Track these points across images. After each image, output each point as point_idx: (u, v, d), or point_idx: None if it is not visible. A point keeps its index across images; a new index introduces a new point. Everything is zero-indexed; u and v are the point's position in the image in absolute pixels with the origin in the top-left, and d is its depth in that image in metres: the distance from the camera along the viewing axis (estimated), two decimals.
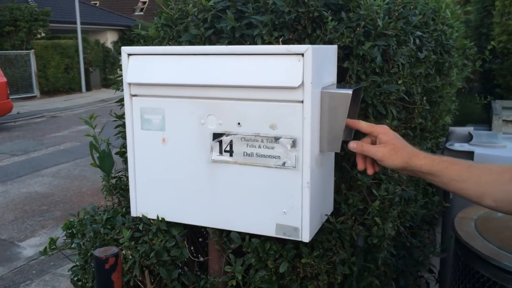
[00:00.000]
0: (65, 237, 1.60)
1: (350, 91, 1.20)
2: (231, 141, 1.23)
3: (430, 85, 1.97)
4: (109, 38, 21.12)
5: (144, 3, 30.66)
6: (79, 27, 16.59)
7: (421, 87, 1.83)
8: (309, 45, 1.12)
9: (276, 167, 1.20)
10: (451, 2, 2.29)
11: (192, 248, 1.66)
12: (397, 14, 1.51)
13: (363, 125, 1.24)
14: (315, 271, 1.28)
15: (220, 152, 1.25)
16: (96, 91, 17.77)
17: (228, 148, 1.24)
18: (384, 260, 1.53)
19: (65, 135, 10.30)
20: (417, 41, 1.73)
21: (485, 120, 5.46)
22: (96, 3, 28.46)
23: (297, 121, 1.16)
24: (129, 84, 1.32)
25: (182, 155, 1.30)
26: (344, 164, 1.54)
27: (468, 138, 2.60)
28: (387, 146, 1.19)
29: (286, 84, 1.14)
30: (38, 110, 13.83)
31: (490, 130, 3.86)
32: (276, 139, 1.18)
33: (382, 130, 1.21)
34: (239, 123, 1.22)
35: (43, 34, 17.58)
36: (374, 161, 1.24)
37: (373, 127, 1.22)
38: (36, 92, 16.45)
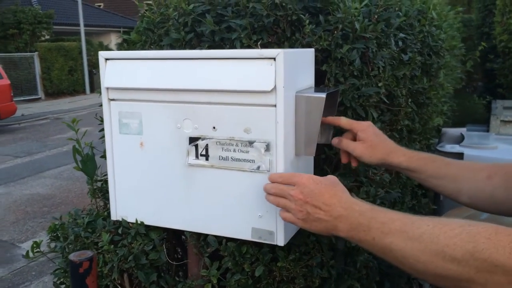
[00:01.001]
0: (49, 240, 1.61)
1: (323, 95, 1.20)
2: (207, 145, 1.23)
3: (416, 87, 1.97)
4: (113, 40, 21.22)
5: (148, 4, 30.73)
6: (82, 29, 16.68)
7: (406, 89, 1.83)
8: (281, 50, 1.13)
9: (251, 171, 1.20)
10: (440, 3, 2.29)
11: (179, 251, 1.67)
12: (376, 16, 1.51)
13: (343, 122, 1.27)
14: (291, 274, 1.28)
15: (196, 156, 1.25)
16: None
17: (204, 152, 1.24)
18: (366, 263, 1.53)
19: (68, 136, 10.34)
20: (400, 43, 1.73)
21: (487, 120, 5.45)
22: (100, 5, 28.57)
23: (270, 125, 1.16)
24: (107, 88, 1.33)
25: (160, 159, 1.31)
26: (325, 167, 1.54)
27: (460, 139, 2.59)
28: (365, 143, 1.22)
29: (259, 88, 1.15)
30: (42, 112, 13.93)
31: (488, 130, 3.85)
32: (250, 143, 1.19)
33: (361, 127, 1.23)
34: (214, 127, 1.22)
35: (47, 37, 17.70)
36: None
37: (353, 124, 1.25)
38: (41, 94, 16.57)
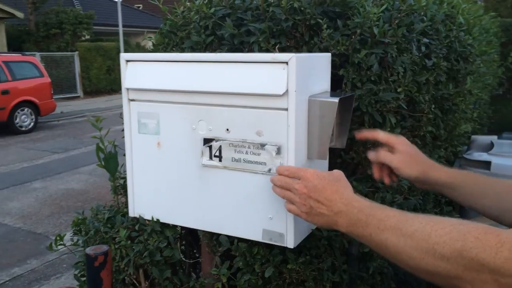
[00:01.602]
0: (72, 234, 1.68)
1: (336, 99, 1.21)
2: (220, 146, 1.26)
3: (440, 93, 1.93)
4: (149, 41, 21.63)
5: (188, 8, 31.17)
6: (120, 30, 17.11)
7: (429, 95, 1.80)
8: (293, 54, 1.14)
9: (263, 173, 1.22)
10: (470, 7, 2.24)
11: (195, 250, 1.70)
12: (397, 21, 1.50)
13: (381, 135, 1.23)
14: (301, 277, 1.29)
15: (210, 157, 1.28)
16: None
17: (217, 153, 1.27)
18: (380, 269, 1.52)
19: (106, 135, 10.60)
20: (424, 48, 1.70)
21: None
22: (139, 6, 29.22)
23: (282, 129, 1.18)
24: (127, 89, 1.38)
25: (176, 159, 1.34)
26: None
27: (490, 147, 2.52)
28: (404, 156, 1.18)
29: (271, 91, 1.16)
30: (80, 110, 14.37)
31: None
32: (262, 145, 1.21)
33: (399, 141, 1.21)
34: (227, 129, 1.25)
35: (87, 37, 18.24)
36: (391, 171, 1.22)
37: (390, 137, 1.21)
38: (80, 92, 17.09)
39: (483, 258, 0.67)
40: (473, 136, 2.74)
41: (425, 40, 1.73)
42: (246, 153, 1.23)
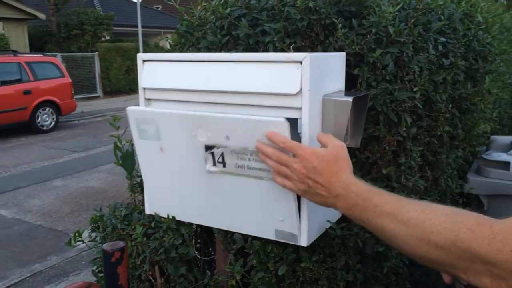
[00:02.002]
0: (90, 230, 1.71)
1: (350, 99, 1.21)
2: (222, 153, 1.21)
3: (458, 92, 1.91)
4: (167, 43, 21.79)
5: (204, 8, 31.33)
6: (140, 30, 17.29)
7: (446, 95, 1.79)
8: (307, 53, 1.14)
9: (269, 179, 1.18)
10: (489, 6, 2.21)
11: (209, 247, 1.72)
12: (413, 20, 1.49)
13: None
14: (314, 275, 1.29)
15: (214, 163, 1.24)
16: None
17: (220, 160, 1.23)
18: (395, 269, 1.51)
19: (124, 135, 10.75)
20: (441, 47, 1.69)
21: None
22: (158, 7, 29.48)
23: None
24: (144, 88, 1.40)
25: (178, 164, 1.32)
26: (356, 171, 1.54)
27: (509, 148, 2.48)
28: None
29: (285, 91, 1.17)
30: (100, 109, 14.57)
31: None
32: None
33: None
34: (227, 136, 1.19)
35: (107, 37, 18.48)
36: None
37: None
38: (99, 92, 17.33)
39: (476, 249, 0.68)
40: (492, 136, 2.69)
41: (442, 39, 1.71)
42: (249, 160, 1.18)
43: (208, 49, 1.60)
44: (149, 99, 1.41)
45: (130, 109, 1.32)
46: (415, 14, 1.54)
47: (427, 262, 0.78)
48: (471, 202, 2.43)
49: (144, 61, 1.38)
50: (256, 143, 1.07)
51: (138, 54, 1.40)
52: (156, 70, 1.36)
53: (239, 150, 1.17)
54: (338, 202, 0.95)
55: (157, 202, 1.44)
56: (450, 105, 1.85)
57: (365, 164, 1.55)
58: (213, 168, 1.25)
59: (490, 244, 0.67)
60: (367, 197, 0.89)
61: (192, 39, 1.65)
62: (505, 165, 2.22)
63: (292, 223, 1.20)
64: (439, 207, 0.79)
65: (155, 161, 1.36)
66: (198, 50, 1.62)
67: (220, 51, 1.58)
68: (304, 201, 1.21)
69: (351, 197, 0.92)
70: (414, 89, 1.50)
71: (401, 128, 1.52)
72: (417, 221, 0.78)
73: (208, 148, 1.23)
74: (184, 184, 1.34)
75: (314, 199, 1.00)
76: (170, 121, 1.27)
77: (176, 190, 1.37)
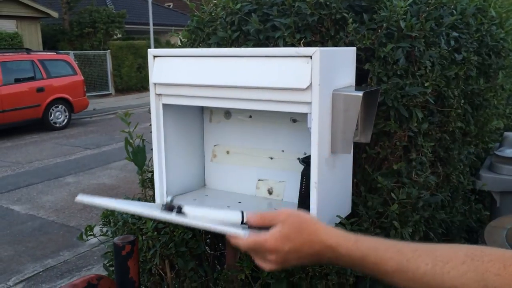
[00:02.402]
0: (101, 225, 1.73)
1: (360, 93, 1.20)
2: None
3: (470, 88, 1.90)
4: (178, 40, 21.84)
5: (215, 4, 31.39)
6: (151, 28, 17.36)
7: (458, 90, 1.77)
8: (317, 48, 1.14)
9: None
10: (502, 1, 2.18)
11: (220, 242, 1.73)
12: (425, 15, 1.48)
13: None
14: (324, 270, 1.29)
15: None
16: None
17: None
18: None
19: (135, 130, 10.89)
20: (453, 42, 1.67)
21: None
22: (170, 5, 29.56)
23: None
24: (155, 84, 1.41)
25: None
26: (366, 167, 1.53)
27: None
28: None
29: (295, 85, 1.17)
30: (111, 107, 14.66)
31: None
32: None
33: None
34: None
35: (119, 35, 18.58)
36: None
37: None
38: (111, 90, 17.44)
39: None
40: (505, 133, 2.66)
41: (455, 33, 1.70)
42: None
43: (219, 45, 1.60)
44: (159, 95, 1.42)
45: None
46: (427, 8, 1.53)
47: None
48: (483, 199, 2.41)
49: (155, 56, 1.39)
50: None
51: (149, 50, 1.40)
52: (167, 66, 1.37)
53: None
54: (334, 262, 0.84)
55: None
56: (462, 101, 1.83)
57: (375, 159, 1.54)
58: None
59: None
60: (362, 256, 0.79)
61: (203, 35, 1.66)
62: None
63: None
64: (451, 253, 0.71)
65: None
66: (209, 46, 1.63)
67: (230, 47, 1.58)
68: (313, 197, 1.21)
69: (345, 260, 0.81)
70: (426, 84, 1.49)
71: (412, 124, 1.51)
72: (434, 277, 0.70)
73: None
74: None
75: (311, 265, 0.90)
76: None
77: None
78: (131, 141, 1.68)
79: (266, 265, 0.87)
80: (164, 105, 1.42)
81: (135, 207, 1.08)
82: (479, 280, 0.66)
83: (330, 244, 0.81)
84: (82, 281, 1.15)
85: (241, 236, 0.87)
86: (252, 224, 0.87)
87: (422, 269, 0.71)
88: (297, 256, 0.84)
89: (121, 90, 17.68)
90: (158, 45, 19.06)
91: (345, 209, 1.41)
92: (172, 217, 0.93)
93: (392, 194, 1.44)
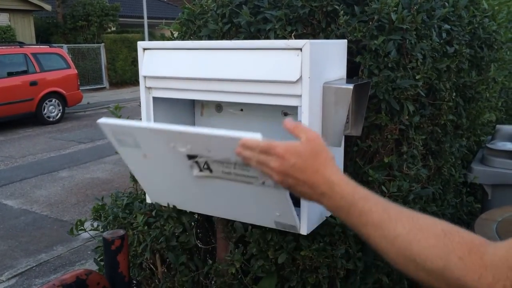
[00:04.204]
0: (92, 219, 1.72)
1: (351, 86, 1.20)
2: (206, 161, 1.10)
3: (462, 80, 1.89)
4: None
5: None
6: (145, 21, 17.25)
7: (450, 83, 1.77)
8: (307, 40, 1.13)
9: (259, 184, 1.06)
10: None
11: (211, 236, 1.72)
12: (416, 7, 1.47)
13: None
14: (314, 264, 1.29)
15: (200, 169, 1.13)
16: None
17: (206, 166, 1.12)
18: None
19: None
20: (445, 34, 1.67)
21: None
22: None
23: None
24: (144, 77, 1.39)
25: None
26: (357, 160, 1.53)
27: None
28: None
29: (285, 78, 1.16)
30: (106, 100, 14.59)
31: None
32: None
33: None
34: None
35: (113, 29, 18.46)
36: None
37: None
38: (106, 83, 17.35)
39: (466, 282, 0.65)
40: (498, 126, 2.67)
41: (446, 26, 1.69)
42: (235, 168, 1.06)
43: (210, 38, 1.58)
44: (149, 88, 1.40)
45: (103, 122, 1.14)
46: (419, 0, 1.52)
47: (416, 279, 0.73)
48: (475, 191, 2.41)
49: (144, 49, 1.38)
50: (236, 149, 0.96)
51: (139, 42, 1.39)
52: (157, 58, 1.36)
53: (222, 160, 1.07)
54: (323, 200, 0.87)
55: (155, 193, 1.43)
56: (454, 94, 1.83)
57: (367, 152, 1.54)
58: (200, 174, 1.13)
59: (481, 278, 0.64)
60: (353, 202, 0.82)
61: (194, 28, 1.64)
62: (510, 154, 2.19)
63: (289, 217, 1.18)
64: (429, 225, 0.73)
65: (141, 165, 1.27)
66: (200, 38, 1.61)
67: (221, 40, 1.57)
68: None
69: (336, 198, 0.85)
70: (417, 77, 1.48)
71: (403, 117, 1.51)
72: (404, 241, 0.72)
73: (191, 157, 1.11)
74: (176, 182, 1.26)
75: (300, 195, 0.93)
76: (146, 135, 1.16)
77: (170, 186, 1.31)
78: None
79: (268, 171, 0.91)
80: (154, 99, 1.41)
81: (156, 124, 1.21)
82: (442, 258, 0.68)
83: (332, 180, 0.85)
84: (71, 276, 1.14)
85: (257, 137, 0.91)
86: (287, 125, 0.92)
87: (398, 230, 0.73)
88: (296, 176, 0.88)
89: (116, 83, 17.59)
90: (152, 38, 18.93)
91: None
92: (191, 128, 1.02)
93: (383, 187, 1.43)
